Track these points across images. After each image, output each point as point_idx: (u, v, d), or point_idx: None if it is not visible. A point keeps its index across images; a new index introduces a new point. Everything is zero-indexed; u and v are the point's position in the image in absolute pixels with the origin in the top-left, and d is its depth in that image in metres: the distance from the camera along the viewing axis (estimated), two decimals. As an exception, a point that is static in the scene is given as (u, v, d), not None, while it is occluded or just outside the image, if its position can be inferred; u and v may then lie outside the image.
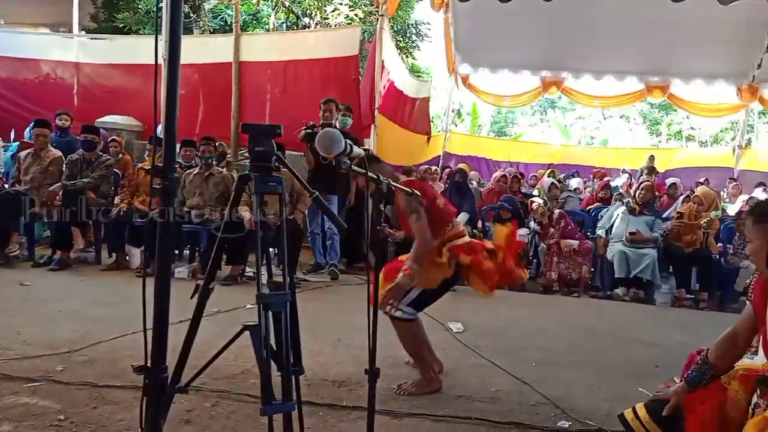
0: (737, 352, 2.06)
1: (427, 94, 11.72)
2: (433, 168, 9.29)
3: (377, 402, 2.98)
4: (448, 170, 9.59)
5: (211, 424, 2.69)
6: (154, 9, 10.79)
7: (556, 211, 6.89)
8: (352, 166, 1.80)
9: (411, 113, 10.58)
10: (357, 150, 1.82)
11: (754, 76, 11.20)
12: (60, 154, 6.59)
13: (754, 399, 1.92)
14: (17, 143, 7.87)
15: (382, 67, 8.35)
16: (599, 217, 7.16)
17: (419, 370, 3.36)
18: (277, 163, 1.66)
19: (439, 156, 12.30)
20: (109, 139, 7.13)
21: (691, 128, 22.24)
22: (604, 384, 3.50)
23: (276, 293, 1.62)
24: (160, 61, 1.37)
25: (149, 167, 6.41)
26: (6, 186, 6.19)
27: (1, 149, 7.15)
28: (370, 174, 1.79)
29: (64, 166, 6.41)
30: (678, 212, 6.65)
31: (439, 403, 3.08)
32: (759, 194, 8.87)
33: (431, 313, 4.86)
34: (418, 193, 2.55)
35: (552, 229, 6.71)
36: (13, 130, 8.40)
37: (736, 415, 1.91)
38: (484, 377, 3.52)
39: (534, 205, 6.94)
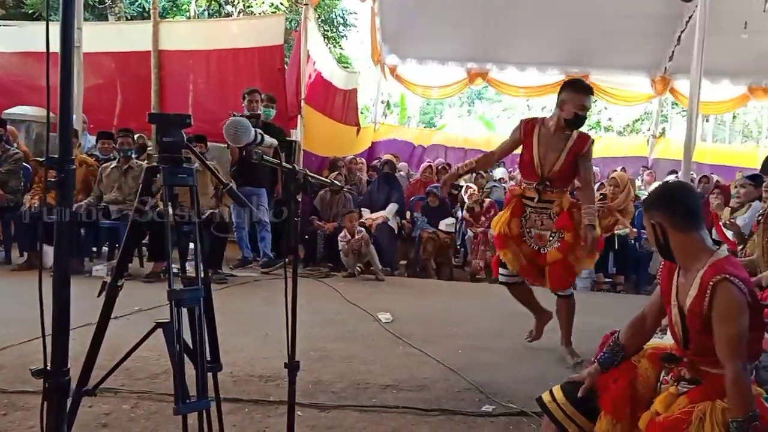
0: (646, 332, 2.15)
1: (356, 85, 11.69)
2: (359, 159, 9.29)
3: (305, 396, 2.99)
4: (376, 161, 9.61)
5: (130, 426, 2.60)
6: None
7: (487, 200, 7.03)
8: (264, 156, 1.75)
9: (342, 105, 10.52)
10: (269, 140, 1.77)
11: (666, 68, 11.76)
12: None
13: (662, 375, 2.01)
14: None
15: (308, 56, 8.25)
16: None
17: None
18: (188, 155, 1.61)
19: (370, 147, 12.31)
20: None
21: (609, 119, 23.22)
22: (527, 368, 3.61)
23: (188, 289, 1.57)
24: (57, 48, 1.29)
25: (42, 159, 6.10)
26: None
27: None
28: (284, 165, 1.76)
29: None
30: (600, 193, 6.92)
31: (367, 394, 3.08)
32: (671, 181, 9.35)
33: (360, 304, 4.90)
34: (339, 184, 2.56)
35: (483, 218, 6.83)
36: None
37: (645, 392, 2.00)
38: (412, 366, 3.55)
39: (469, 192, 7.05)
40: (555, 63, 12.16)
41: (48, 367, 1.35)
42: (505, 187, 8.56)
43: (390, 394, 3.09)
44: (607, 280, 6.67)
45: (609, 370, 2.06)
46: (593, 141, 3.79)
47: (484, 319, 4.83)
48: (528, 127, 3.85)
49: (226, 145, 6.39)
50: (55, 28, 1.36)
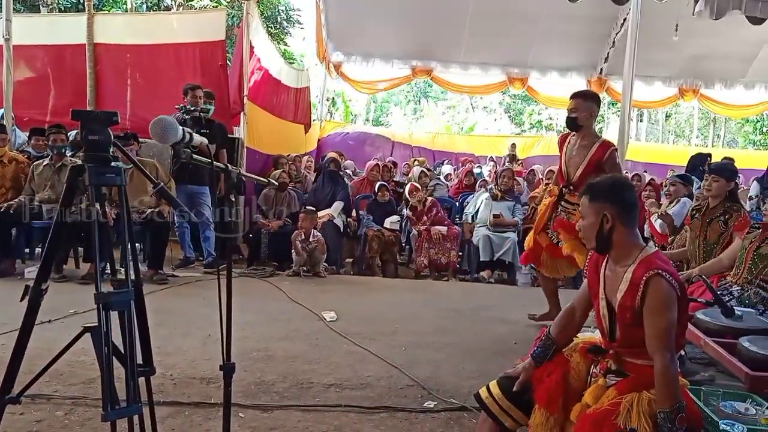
0: (575, 326, 2.22)
1: (307, 83, 11.61)
2: (305, 157, 9.22)
3: (247, 396, 2.97)
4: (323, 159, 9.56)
5: (62, 434, 2.51)
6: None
7: (429, 199, 7.10)
8: (194, 156, 1.71)
9: (293, 103, 10.42)
10: (198, 138, 1.73)
11: (602, 69, 12.15)
12: None
13: (592, 369, 2.08)
14: None
15: (252, 53, 8.13)
16: (465, 204, 7.47)
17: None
18: (115, 153, 1.56)
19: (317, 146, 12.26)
20: None
21: (550, 118, 23.82)
22: (469, 363, 3.67)
23: (117, 291, 1.53)
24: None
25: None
26: None
27: None
28: (216, 164, 1.72)
29: None
30: (531, 195, 7.10)
31: (310, 393, 3.08)
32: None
33: (305, 303, 4.88)
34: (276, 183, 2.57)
35: (425, 217, 6.90)
36: None
37: (577, 384, 2.06)
38: (355, 364, 3.56)
39: (413, 189, 7.08)
40: (496, 63, 12.41)
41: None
42: (448, 185, 8.69)
43: (333, 393, 3.10)
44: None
45: (542, 363, 2.12)
46: (615, 148, 4.20)
47: (428, 316, 4.87)
48: (561, 139, 4.53)
49: None
50: None
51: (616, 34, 10.99)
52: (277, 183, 6.28)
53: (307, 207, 6.58)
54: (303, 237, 6.16)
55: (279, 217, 6.76)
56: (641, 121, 23.05)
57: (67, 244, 5.35)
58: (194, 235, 6.38)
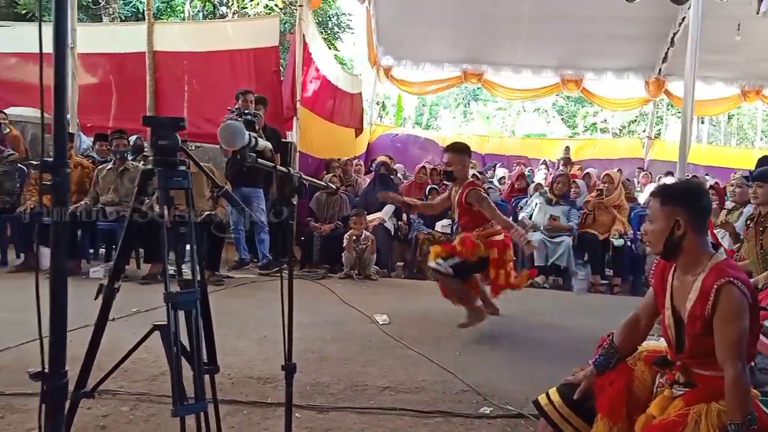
0: (639, 335, 2.15)
1: (360, 88, 11.72)
2: (355, 161, 9.27)
3: (302, 397, 2.99)
4: (374, 162, 9.61)
5: (128, 428, 2.60)
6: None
7: None
8: (259, 160, 1.74)
9: (347, 108, 10.54)
10: (262, 143, 1.77)
11: (660, 70, 11.80)
12: (-41, 151, 6.16)
13: (658, 379, 2.01)
14: None
15: (310, 59, 8.25)
16: (517, 208, 7.37)
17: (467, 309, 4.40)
18: (183, 158, 1.60)
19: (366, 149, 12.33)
20: None
21: (605, 120, 23.28)
22: (524, 369, 3.61)
23: (185, 291, 1.57)
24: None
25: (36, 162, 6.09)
26: None
27: None
28: (279, 168, 1.75)
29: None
30: (588, 199, 6.94)
31: (364, 396, 3.09)
32: (666, 182, 9.35)
33: (357, 306, 4.90)
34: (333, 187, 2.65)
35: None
36: None
37: (642, 394, 2.00)
38: (409, 368, 3.55)
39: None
40: (550, 66, 12.21)
41: (45, 370, 1.34)
42: (501, 189, 8.58)
43: (388, 396, 3.09)
44: (603, 281, 6.68)
45: (605, 372, 2.07)
46: (474, 188, 4.39)
47: (481, 320, 4.82)
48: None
49: (219, 146, 6.36)
50: (48, 29, 1.36)
51: (674, 33, 10.66)
52: (334, 186, 6.35)
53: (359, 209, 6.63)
54: (354, 238, 6.21)
55: (330, 220, 6.83)
56: (702, 123, 22.28)
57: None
58: (249, 237, 6.50)
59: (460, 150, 4.55)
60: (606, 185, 6.88)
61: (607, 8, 9.68)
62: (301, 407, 2.88)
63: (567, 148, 11.80)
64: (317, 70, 8.68)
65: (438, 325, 4.59)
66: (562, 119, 25.39)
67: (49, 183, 1.25)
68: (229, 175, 6.30)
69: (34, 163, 6.09)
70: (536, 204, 6.94)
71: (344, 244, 6.22)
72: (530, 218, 6.90)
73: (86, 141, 7.82)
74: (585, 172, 8.78)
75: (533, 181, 8.66)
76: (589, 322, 4.83)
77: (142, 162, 6.51)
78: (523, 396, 3.05)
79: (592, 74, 12.20)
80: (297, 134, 7.84)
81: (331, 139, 9.42)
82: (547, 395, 2.11)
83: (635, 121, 22.75)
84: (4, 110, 7.77)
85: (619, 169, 10.39)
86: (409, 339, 4.09)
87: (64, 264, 1.34)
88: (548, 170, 10.38)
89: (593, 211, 6.82)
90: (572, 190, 7.13)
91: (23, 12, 11.86)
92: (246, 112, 6.13)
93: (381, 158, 8.55)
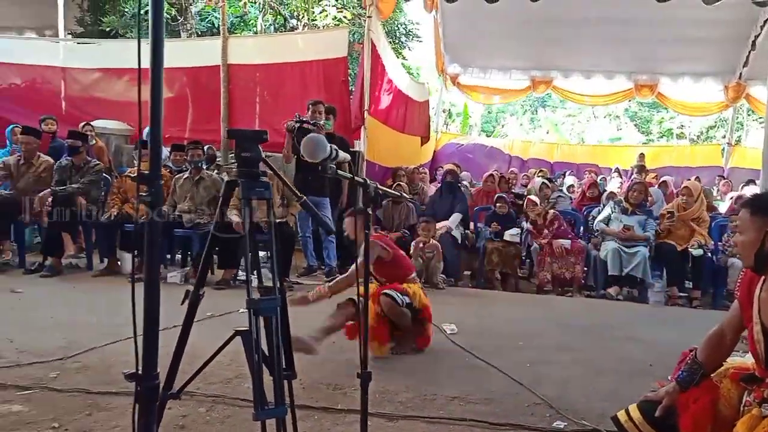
0: (725, 350, 2.06)
1: (428, 97, 11.76)
2: (421, 169, 9.29)
3: (372, 405, 2.99)
4: (440, 171, 9.61)
5: (206, 429, 2.68)
6: (138, 12, 10.78)
7: (551, 212, 6.88)
8: (339, 171, 1.78)
9: (415, 116, 10.61)
10: (342, 155, 1.81)
11: (741, 74, 11.28)
12: (51, 160, 6.55)
13: (745, 396, 1.92)
14: (6, 149, 7.79)
15: (380, 68, 8.34)
16: (589, 217, 7.18)
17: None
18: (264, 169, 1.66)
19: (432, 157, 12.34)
20: (81, 125, 6.98)
21: (681, 126, 22.36)
22: (599, 383, 3.51)
23: (266, 298, 1.62)
24: (145, 65, 1.36)
25: (134, 175, 6.38)
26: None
27: None
28: (357, 178, 1.78)
29: (54, 171, 6.37)
30: (667, 210, 6.67)
31: (434, 405, 3.07)
32: (748, 191, 8.92)
33: (424, 315, 4.87)
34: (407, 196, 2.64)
35: (546, 230, 6.71)
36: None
37: (728, 412, 1.92)
38: (478, 378, 3.51)
39: (530, 204, 6.94)
40: (623, 71, 11.90)
41: (139, 371, 1.41)
42: (571, 197, 8.40)
43: (457, 406, 3.07)
44: (681, 294, 6.41)
45: (688, 389, 1.99)
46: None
47: (553, 332, 4.72)
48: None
49: (287, 127, 6.43)
50: (134, 45, 1.43)
51: (756, 36, 10.17)
52: (407, 196, 6.38)
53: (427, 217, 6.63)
54: (422, 245, 6.22)
55: (397, 229, 6.86)
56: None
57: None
58: (316, 244, 6.63)
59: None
60: (685, 198, 6.59)
61: (683, 11, 9.33)
62: (371, 414, 2.87)
63: (641, 155, 11.44)
64: (388, 79, 8.78)
65: (507, 336, 4.52)
66: (636, 125, 24.56)
67: (144, 194, 1.32)
68: (295, 184, 6.44)
69: (132, 176, 6.38)
70: (610, 213, 6.73)
71: (411, 251, 6.25)
72: (607, 225, 6.69)
73: (163, 152, 8.17)
74: (661, 180, 8.48)
75: (605, 190, 8.42)
76: (667, 336, 4.65)
77: (215, 171, 6.75)
78: (599, 411, 2.96)
79: (667, 79, 11.82)
80: (364, 143, 7.94)
81: (397, 148, 9.50)
82: (627, 412, 2.05)
83: (714, 126, 21.77)
84: (91, 123, 8.24)
85: (697, 177, 10.00)
86: (478, 349, 4.05)
87: (158, 270, 1.41)
88: (622, 178, 10.08)
89: (673, 223, 6.56)
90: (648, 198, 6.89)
91: (107, 29, 12.52)
92: (303, 119, 6.23)
93: (448, 166, 8.53)
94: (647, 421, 1.99)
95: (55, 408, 2.81)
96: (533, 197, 7.14)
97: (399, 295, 3.93)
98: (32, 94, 9.50)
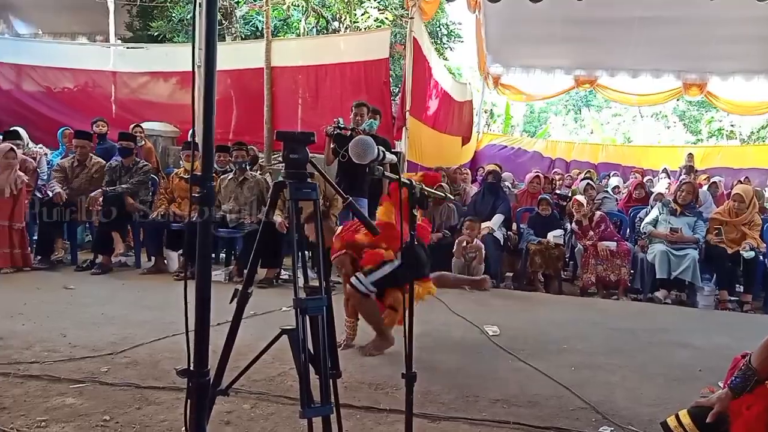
0: None
1: (471, 97, 11.70)
2: (464, 169, 9.24)
3: (414, 405, 2.98)
4: (481, 171, 9.54)
5: (250, 425, 2.72)
6: (190, 18, 10.99)
7: (597, 213, 6.75)
8: (385, 172, 1.80)
9: (456, 117, 10.58)
10: (390, 156, 1.82)
11: (795, 72, 10.90)
12: (103, 161, 6.76)
13: (803, 405, 1.86)
14: (60, 150, 8.06)
15: (424, 69, 8.33)
16: (637, 219, 7.02)
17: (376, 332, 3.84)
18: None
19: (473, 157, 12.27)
20: (132, 127, 7.16)
21: (731, 125, 21.63)
22: (646, 388, 3.43)
23: (312, 298, 1.64)
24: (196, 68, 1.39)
25: (185, 175, 6.52)
26: (49, 193, 6.37)
27: (45, 157, 7.35)
28: (403, 179, 1.79)
29: (104, 172, 6.58)
30: (714, 225, 6.46)
31: (476, 407, 3.05)
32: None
33: (466, 316, 4.87)
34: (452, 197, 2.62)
35: (591, 232, 6.58)
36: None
37: (784, 421, 1.85)
38: (521, 381, 3.47)
39: (576, 204, 6.80)
40: (671, 69, 11.61)
41: (191, 368, 1.45)
42: (617, 198, 8.23)
43: (500, 409, 3.04)
44: (732, 298, 6.22)
45: (741, 395, 1.94)
46: None
47: (598, 335, 4.64)
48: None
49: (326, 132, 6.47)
50: (184, 50, 1.46)
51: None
52: (452, 197, 6.36)
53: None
54: (465, 244, 6.19)
55: (438, 229, 6.83)
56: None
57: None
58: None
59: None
60: (737, 204, 6.38)
61: (734, 8, 9.08)
62: (414, 415, 2.88)
63: (690, 155, 11.13)
64: (433, 80, 8.76)
65: (550, 339, 4.46)
66: (684, 125, 23.90)
67: (197, 194, 1.35)
68: (336, 183, 6.47)
69: (186, 177, 6.51)
70: (658, 214, 6.57)
71: (454, 250, 6.22)
72: (654, 227, 6.53)
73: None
74: (711, 181, 8.23)
75: (652, 191, 8.22)
76: (717, 341, 4.52)
77: (258, 172, 6.85)
78: (647, 417, 2.90)
79: (717, 78, 11.48)
80: (405, 144, 7.95)
81: (438, 148, 9.49)
82: (677, 417, 2.00)
83: (766, 126, 21.00)
84: (140, 124, 8.47)
85: (747, 178, 9.67)
86: (521, 352, 4.00)
87: (209, 268, 1.44)
88: (670, 179, 9.83)
89: (721, 227, 6.37)
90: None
91: (155, 34, 12.84)
92: (341, 126, 6.26)
93: (490, 167, 8.46)
94: (698, 427, 1.95)
95: (106, 401, 2.90)
96: (579, 197, 7.00)
97: (361, 278, 3.65)
98: (84, 97, 9.83)
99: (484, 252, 6.26)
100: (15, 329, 4.02)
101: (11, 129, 7.09)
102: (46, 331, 4.00)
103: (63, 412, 2.76)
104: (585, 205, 6.78)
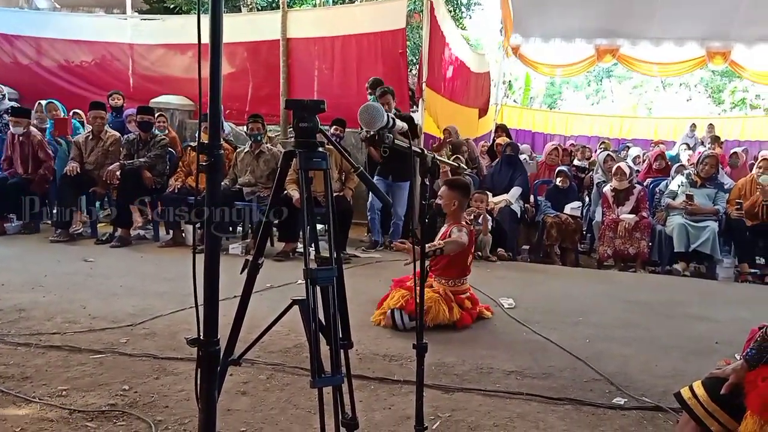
0: None
1: (488, 68, 11.51)
2: (481, 142, 9.15)
3: (428, 377, 3.01)
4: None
5: (266, 396, 2.76)
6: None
7: (638, 188, 6.54)
8: (395, 141, 1.77)
9: (473, 88, 10.44)
10: (399, 123, 1.79)
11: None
12: (118, 135, 6.79)
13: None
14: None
15: (441, 40, 8.20)
16: (657, 191, 6.90)
17: None
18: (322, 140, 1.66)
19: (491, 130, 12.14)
20: (156, 115, 7.20)
21: (757, 96, 21.10)
22: (661, 360, 3.41)
23: (323, 268, 1.63)
24: (206, 40, 1.38)
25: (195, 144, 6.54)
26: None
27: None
28: (414, 148, 1.77)
29: (121, 146, 6.61)
30: (735, 200, 6.31)
31: (490, 379, 3.06)
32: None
33: (482, 289, 4.86)
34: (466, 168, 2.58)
35: (626, 202, 6.43)
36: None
37: (800, 393, 1.83)
38: (536, 353, 3.48)
39: (620, 173, 6.51)
40: (694, 37, 11.29)
41: (201, 337, 1.46)
42: (637, 170, 8.07)
43: (514, 380, 3.05)
44: (752, 270, 6.12)
45: (757, 367, 1.91)
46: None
47: (614, 308, 4.62)
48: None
49: (356, 130, 6.44)
50: (204, 21, 1.44)
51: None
52: (466, 168, 6.29)
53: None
54: (472, 217, 6.13)
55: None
56: None
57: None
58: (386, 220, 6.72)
59: (455, 187, 4.18)
60: (762, 171, 6.24)
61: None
62: (428, 386, 2.90)
63: (711, 126, 10.90)
64: (448, 50, 8.63)
65: (565, 311, 4.45)
66: (708, 95, 23.35)
67: (204, 163, 1.35)
68: (379, 169, 6.48)
69: (192, 145, 6.55)
70: (678, 185, 6.45)
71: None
72: (674, 199, 6.41)
73: (226, 127, 8.32)
74: (731, 152, 8.06)
75: (675, 162, 8.04)
76: (736, 313, 4.48)
77: (268, 144, 6.84)
78: (661, 389, 2.89)
79: (742, 45, 11.15)
80: (422, 115, 7.88)
81: (454, 120, 9.38)
82: (691, 389, 1.99)
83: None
84: (155, 98, 8.46)
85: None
86: (536, 324, 4.01)
87: (218, 240, 1.44)
88: (692, 150, 9.66)
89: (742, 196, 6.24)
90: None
91: (171, 6, 12.77)
92: (370, 134, 6.20)
93: (503, 139, 8.36)
94: (712, 398, 1.92)
95: (125, 371, 2.96)
96: (623, 165, 6.71)
97: (403, 314, 3.79)
98: (101, 71, 9.84)
99: (490, 224, 6.19)
100: (36, 301, 4.09)
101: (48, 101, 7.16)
102: (67, 303, 4.07)
103: (83, 382, 2.82)
104: (628, 175, 6.57)
